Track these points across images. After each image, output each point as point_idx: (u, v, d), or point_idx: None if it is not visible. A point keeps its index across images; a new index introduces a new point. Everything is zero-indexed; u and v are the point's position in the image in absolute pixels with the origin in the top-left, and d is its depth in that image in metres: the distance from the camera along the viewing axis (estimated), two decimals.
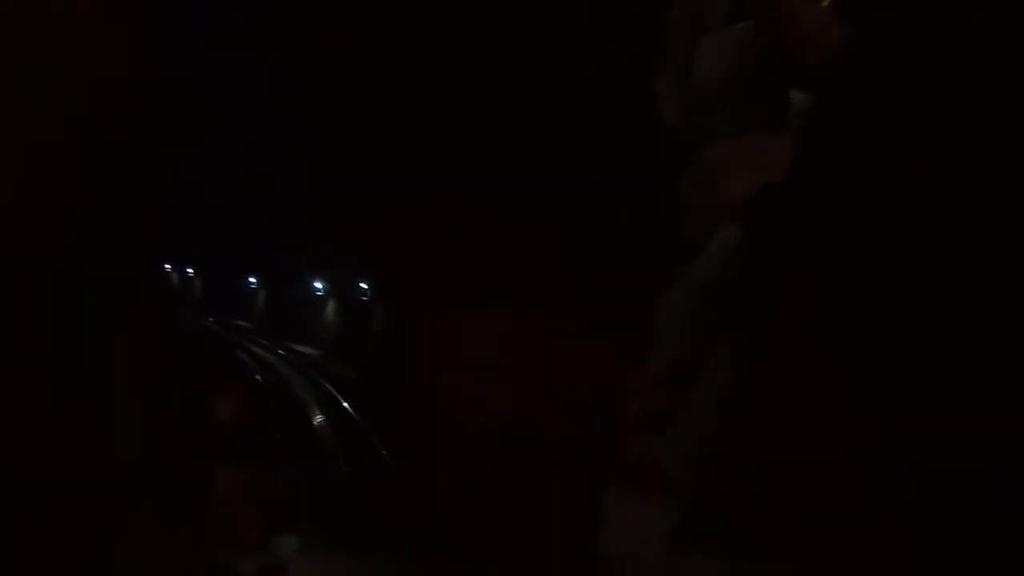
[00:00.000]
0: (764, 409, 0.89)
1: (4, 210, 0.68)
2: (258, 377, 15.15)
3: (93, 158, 0.75)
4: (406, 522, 8.00)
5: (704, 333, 1.06)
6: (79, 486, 0.73)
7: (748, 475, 0.88)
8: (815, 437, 0.76)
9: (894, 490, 0.68)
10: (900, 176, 0.70)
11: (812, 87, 1.03)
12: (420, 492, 8.96)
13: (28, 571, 0.68)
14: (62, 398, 0.74)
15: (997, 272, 0.64)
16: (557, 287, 10.27)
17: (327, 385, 15.18)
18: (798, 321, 0.83)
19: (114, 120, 0.76)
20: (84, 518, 0.72)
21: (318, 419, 12.98)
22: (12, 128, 0.68)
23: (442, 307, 12.93)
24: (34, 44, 0.67)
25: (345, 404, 13.30)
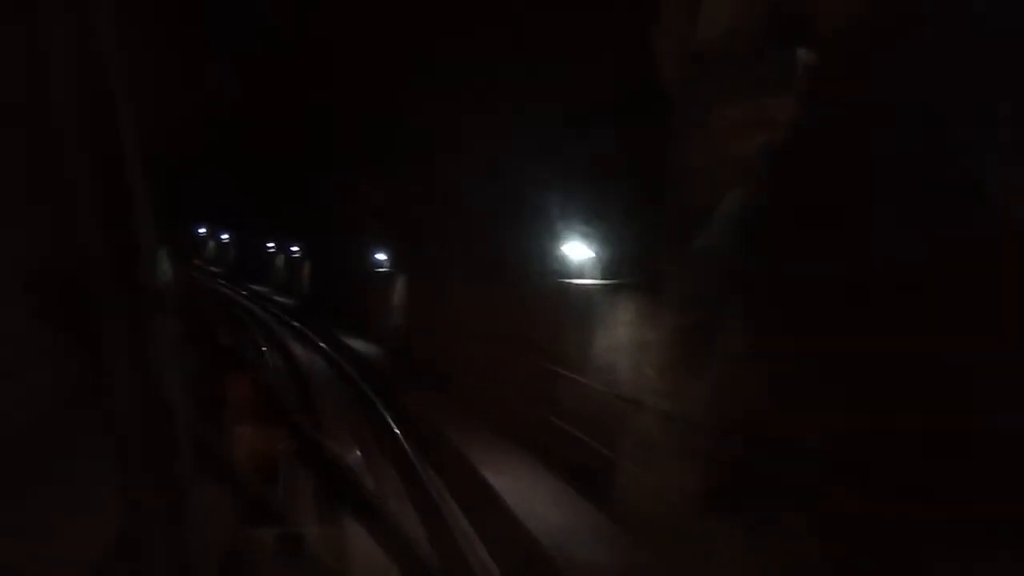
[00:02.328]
0: (773, 372, 0.90)
1: (13, 208, 0.69)
2: (264, 348, 15.24)
3: (95, 159, 0.75)
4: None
5: (715, 297, 1.07)
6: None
7: (758, 438, 0.90)
8: (824, 401, 0.77)
9: (901, 452, 0.69)
10: (909, 137, 0.70)
11: (819, 47, 1.02)
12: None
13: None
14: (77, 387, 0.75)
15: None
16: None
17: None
18: (804, 283, 0.84)
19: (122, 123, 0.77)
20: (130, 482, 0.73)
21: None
22: (22, 130, 0.68)
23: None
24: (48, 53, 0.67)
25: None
